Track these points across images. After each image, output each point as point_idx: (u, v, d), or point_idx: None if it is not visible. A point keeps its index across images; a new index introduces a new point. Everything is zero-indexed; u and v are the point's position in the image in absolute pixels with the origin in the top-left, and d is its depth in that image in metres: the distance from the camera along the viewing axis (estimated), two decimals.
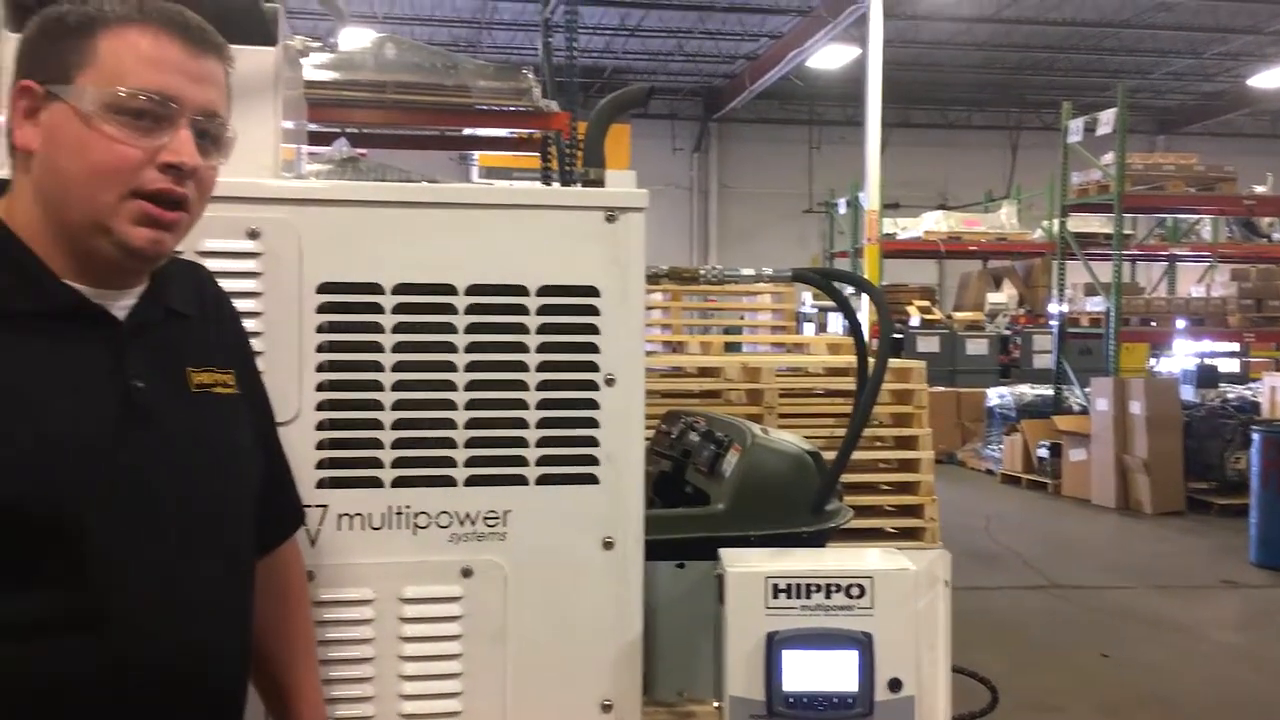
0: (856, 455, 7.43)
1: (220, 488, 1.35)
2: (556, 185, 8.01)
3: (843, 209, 17.48)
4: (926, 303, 16.60)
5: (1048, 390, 12.50)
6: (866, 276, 14.34)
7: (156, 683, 1.24)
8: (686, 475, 2.29)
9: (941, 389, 13.38)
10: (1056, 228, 13.07)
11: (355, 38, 7.11)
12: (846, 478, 6.76)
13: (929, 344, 14.90)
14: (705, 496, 2.15)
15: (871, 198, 14.15)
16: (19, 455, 1.16)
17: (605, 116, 2.06)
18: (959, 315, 16.40)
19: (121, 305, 1.29)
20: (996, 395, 13.00)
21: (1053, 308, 13.58)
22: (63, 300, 1.24)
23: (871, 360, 2.10)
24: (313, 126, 6.86)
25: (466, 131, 8.01)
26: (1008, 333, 15.69)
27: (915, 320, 15.66)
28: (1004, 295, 16.58)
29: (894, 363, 7.99)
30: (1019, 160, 22.49)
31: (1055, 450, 11.24)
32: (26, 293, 1.22)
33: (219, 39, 1.32)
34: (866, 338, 2.19)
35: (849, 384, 6.92)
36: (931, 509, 7.08)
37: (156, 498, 1.26)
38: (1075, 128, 11.88)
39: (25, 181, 1.26)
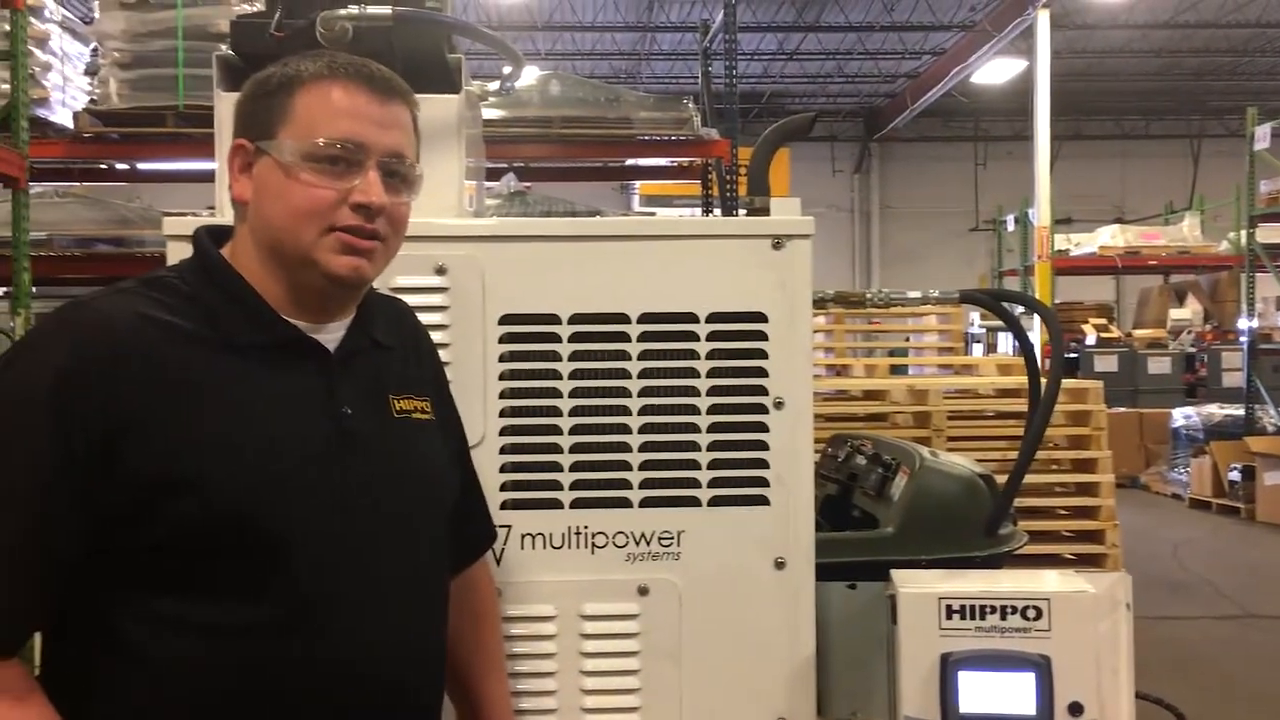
0: (1031, 479, 7.20)
1: (418, 506, 1.44)
2: (717, 212, 8.09)
3: (1011, 226, 17.00)
4: (1103, 320, 15.98)
5: (1238, 410, 11.84)
6: (1037, 294, 13.93)
7: (358, 683, 1.33)
8: (853, 499, 2.28)
9: (1122, 410, 12.84)
10: (1244, 239, 12.41)
11: (522, 76, 7.36)
12: (1021, 502, 6.55)
13: (1107, 363, 14.34)
14: (873, 520, 2.14)
15: (1041, 213, 13.74)
16: (252, 473, 1.29)
17: (770, 146, 2.10)
18: (1139, 333, 15.72)
19: (331, 338, 1.41)
20: (1182, 416, 12.39)
21: (1242, 323, 12.87)
22: (282, 334, 1.37)
23: (1044, 380, 2.07)
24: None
25: (629, 162, 8.17)
26: (1193, 350, 14.94)
27: (1091, 339, 15.08)
28: (1188, 311, 15.81)
29: (1070, 382, 7.73)
30: (1201, 169, 21.45)
31: (1248, 473, 10.63)
32: (252, 327, 1.36)
33: (403, 86, 1.43)
34: (1038, 358, 2.16)
35: (1021, 405, 6.74)
36: (1113, 534, 6.80)
37: (362, 514, 1.36)
38: (1262, 134, 11.28)
39: (244, 229, 1.40)
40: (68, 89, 7.01)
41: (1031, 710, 1.68)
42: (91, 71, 7.23)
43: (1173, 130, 22.36)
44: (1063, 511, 6.94)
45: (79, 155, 6.99)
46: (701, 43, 10.24)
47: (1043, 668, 1.68)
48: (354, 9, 1.89)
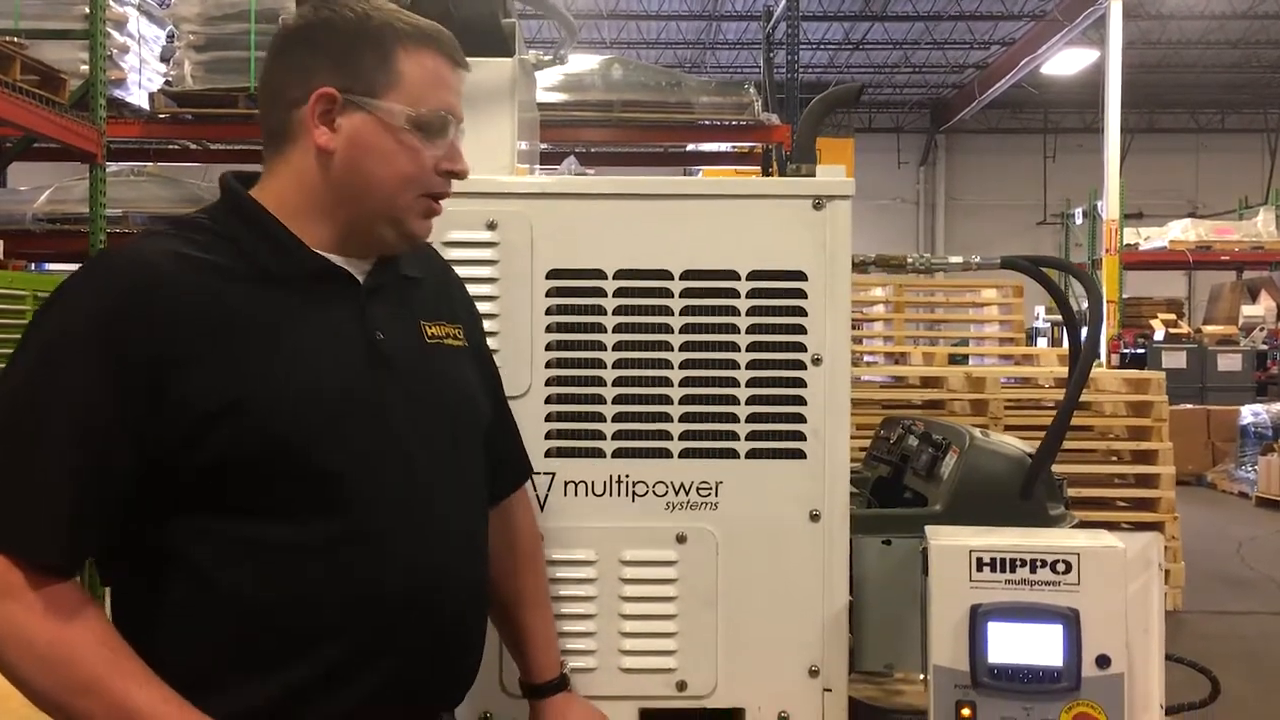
0: (1091, 470, 7.11)
1: (456, 426, 1.50)
2: None
3: (1079, 220, 16.77)
4: (1172, 316, 15.70)
5: None
6: (1104, 289, 13.73)
7: (406, 600, 1.39)
8: (905, 479, 2.30)
9: (1189, 406, 12.62)
10: None
11: (584, 61, 7.44)
12: (1080, 493, 6.50)
13: (1175, 359, 14.07)
14: (923, 501, 2.16)
15: (1110, 206, 13.55)
16: (294, 399, 1.34)
17: (816, 115, 2.13)
18: (1209, 329, 15.42)
19: (360, 270, 1.46)
20: (1251, 413, 12.14)
21: None
22: (313, 265, 1.42)
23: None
24: (544, 146, 7.22)
25: (690, 147, 8.22)
26: (1265, 347, 14.63)
27: (1160, 334, 14.83)
28: (1261, 307, 15.47)
29: (1131, 373, 7.63)
30: (1278, 164, 20.96)
31: None
32: (283, 260, 1.40)
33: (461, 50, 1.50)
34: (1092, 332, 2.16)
35: (1082, 396, 6.62)
36: (1173, 527, 6.73)
37: (402, 436, 1.42)
38: None
39: (292, 172, 1.43)
40: (144, 71, 7.23)
41: (1059, 661, 1.71)
42: (166, 57, 7.45)
43: (1249, 124, 21.89)
44: (1122, 503, 6.87)
45: (154, 135, 7.21)
46: (764, 29, 10.24)
47: (1071, 620, 1.70)
48: None
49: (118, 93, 6.75)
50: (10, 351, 1.35)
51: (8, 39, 5.31)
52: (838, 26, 17.93)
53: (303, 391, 1.35)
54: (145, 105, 7.05)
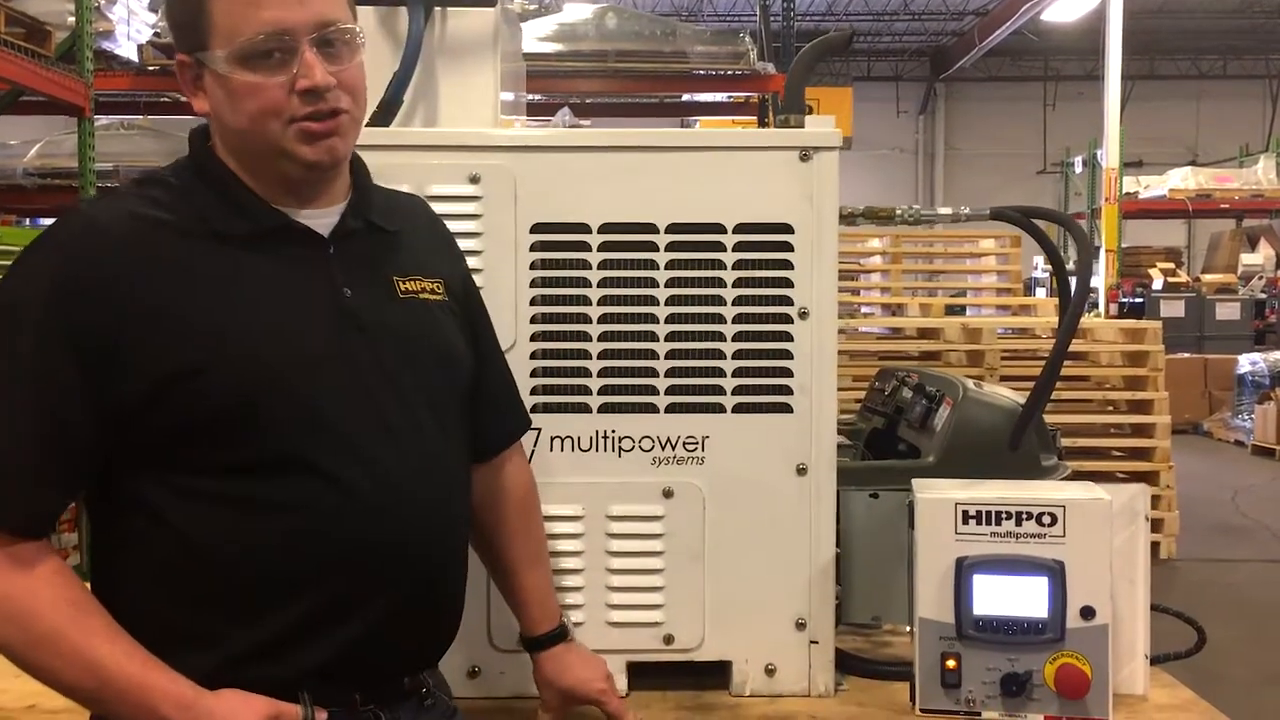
0: (1087, 420, 7.13)
1: (434, 381, 1.47)
2: None
3: (1079, 168, 16.65)
4: (1171, 265, 15.65)
5: None
6: (1103, 238, 13.69)
7: (383, 555, 1.38)
8: (899, 431, 2.29)
9: (1187, 355, 12.63)
10: None
11: (578, 10, 7.35)
12: (1075, 443, 6.51)
13: (1173, 308, 14.04)
14: (917, 453, 2.15)
15: (1110, 155, 13.46)
16: (252, 361, 1.33)
17: (806, 63, 2.10)
18: (1208, 278, 15.38)
19: (324, 222, 1.44)
20: (1249, 362, 12.15)
21: None
22: (271, 222, 1.40)
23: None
24: (537, 97, 7.16)
25: (685, 97, 8.15)
26: (1263, 296, 14.60)
27: (1158, 283, 14.79)
28: (1260, 256, 15.42)
29: (1128, 323, 7.62)
30: (1279, 111, 20.79)
31: None
32: (241, 217, 1.39)
33: None
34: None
35: (1077, 346, 6.64)
36: (1168, 476, 6.75)
37: (367, 392, 1.39)
38: None
39: (217, 137, 1.43)
40: (133, 23, 7.13)
41: (1044, 613, 1.71)
42: (155, 8, 7.35)
43: (1250, 70, 21.68)
44: (1117, 453, 6.90)
45: (144, 88, 7.13)
46: None
47: (1056, 572, 1.71)
48: None
49: (105, 45, 6.67)
50: None
51: None
52: None
53: (260, 352, 1.34)
54: (134, 57, 6.97)
